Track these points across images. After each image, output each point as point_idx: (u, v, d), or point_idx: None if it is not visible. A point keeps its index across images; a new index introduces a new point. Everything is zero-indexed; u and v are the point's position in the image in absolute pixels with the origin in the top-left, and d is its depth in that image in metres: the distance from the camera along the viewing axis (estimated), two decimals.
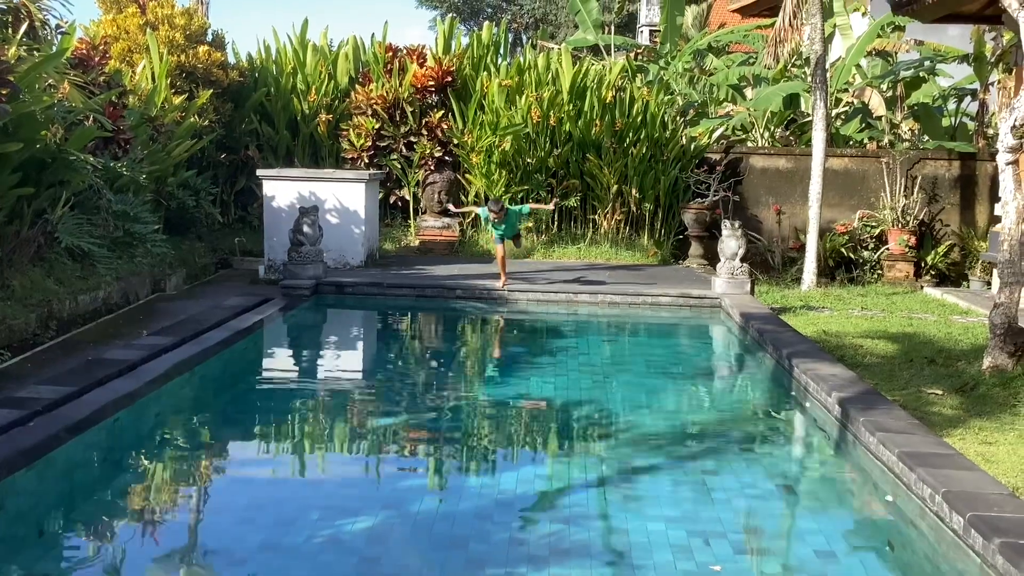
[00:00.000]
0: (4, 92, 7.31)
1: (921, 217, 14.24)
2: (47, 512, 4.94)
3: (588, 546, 4.52)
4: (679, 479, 5.54)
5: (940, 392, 7.07)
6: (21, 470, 4.94)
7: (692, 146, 14.64)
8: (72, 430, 5.55)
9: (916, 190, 14.28)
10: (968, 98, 16.89)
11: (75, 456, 5.48)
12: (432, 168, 14.12)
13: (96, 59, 10.72)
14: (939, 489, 4.64)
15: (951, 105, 17.14)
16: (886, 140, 15.29)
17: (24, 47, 8.63)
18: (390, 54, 14.91)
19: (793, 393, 7.35)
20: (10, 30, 8.61)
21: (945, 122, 16.56)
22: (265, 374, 8.24)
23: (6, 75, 7.33)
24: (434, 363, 8.40)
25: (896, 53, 17.13)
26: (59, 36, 9.53)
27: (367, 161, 14.13)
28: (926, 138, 15.57)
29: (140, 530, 4.83)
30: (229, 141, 14.14)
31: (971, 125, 16.78)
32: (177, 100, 12.44)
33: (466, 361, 8.38)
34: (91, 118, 9.34)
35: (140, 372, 6.87)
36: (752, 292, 10.98)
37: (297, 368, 8.54)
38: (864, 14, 19.01)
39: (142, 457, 5.95)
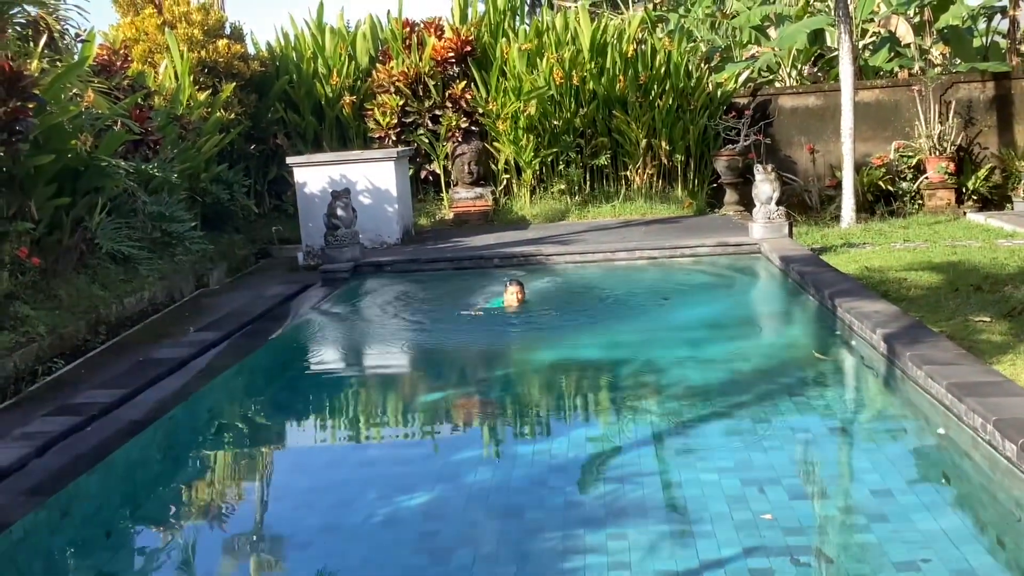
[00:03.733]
0: (31, 106, 7.41)
1: (958, 142, 13.96)
2: (112, 513, 5.08)
3: (643, 503, 4.54)
4: (729, 428, 5.54)
5: (988, 319, 6.97)
6: (83, 475, 5.08)
7: (719, 92, 14.46)
8: (129, 431, 5.69)
9: (951, 115, 13.99)
10: (998, 16, 16.47)
11: (134, 456, 5.61)
12: (459, 139, 14.11)
13: (118, 63, 10.82)
14: (990, 418, 4.60)
15: (981, 25, 16.73)
16: (917, 67, 14.98)
17: (46, 59, 8.74)
18: (407, 29, 14.87)
19: (838, 333, 7.30)
20: (31, 43, 8.72)
21: (976, 43, 16.17)
22: (310, 360, 8.34)
23: (31, 88, 7.42)
24: (474, 334, 8.43)
25: None
26: (79, 45, 9.62)
27: (394, 139, 14.15)
28: (958, 61, 15.23)
29: (203, 522, 4.95)
30: (257, 132, 14.23)
31: (1003, 43, 16.38)
32: (202, 96, 12.54)
33: (507, 329, 8.40)
34: (119, 123, 9.44)
35: (190, 368, 7.02)
36: (791, 235, 10.87)
37: (341, 352, 8.62)
38: None
39: (199, 451, 6.08)
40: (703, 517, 4.31)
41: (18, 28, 8.67)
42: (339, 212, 11.03)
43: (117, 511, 5.11)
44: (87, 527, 4.89)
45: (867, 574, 3.83)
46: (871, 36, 16.45)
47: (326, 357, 8.46)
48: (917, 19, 15.65)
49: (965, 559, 3.81)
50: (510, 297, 8.51)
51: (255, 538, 4.67)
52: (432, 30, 14.72)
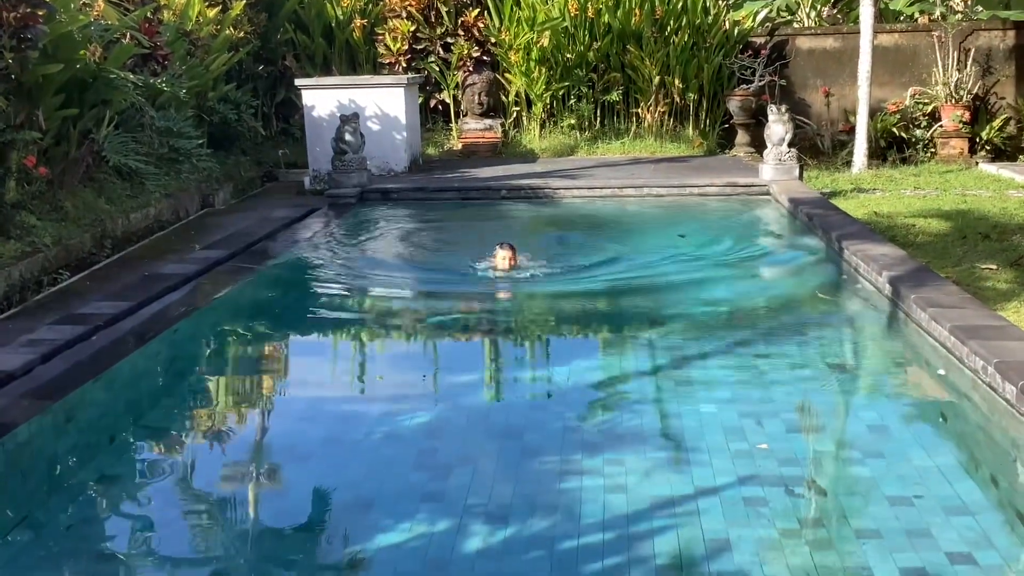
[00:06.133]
0: (40, 13, 7.32)
1: (975, 91, 13.78)
2: (116, 420, 5.13)
3: (641, 431, 4.59)
4: (731, 363, 5.57)
5: (994, 267, 6.97)
6: (88, 382, 5.13)
7: (735, 31, 14.23)
8: (133, 343, 5.74)
9: (969, 63, 13.79)
10: None
11: (138, 366, 5.66)
12: (471, 69, 13.93)
13: None
14: (991, 360, 4.62)
15: None
16: (938, 13, 14.74)
17: None
18: None
19: (844, 276, 7.30)
20: None
21: None
22: (314, 281, 8.33)
23: None
24: (479, 263, 8.42)
25: None
26: None
27: (405, 65, 13.98)
28: (979, 8, 14.97)
29: (205, 432, 5.00)
30: (266, 52, 14.04)
31: None
32: (211, 13, 12.35)
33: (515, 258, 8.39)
34: (128, 35, 9.33)
35: (195, 284, 7.04)
36: (801, 177, 10.80)
37: (345, 274, 8.61)
38: None
39: (203, 364, 6.13)
40: (700, 446, 4.36)
41: None
42: (347, 137, 10.95)
43: (121, 418, 5.16)
44: (90, 432, 4.95)
45: (859, 506, 3.87)
46: None
47: (330, 279, 8.43)
48: None
49: (958, 496, 3.85)
50: (501, 262, 7.66)
51: (256, 448, 4.73)
52: None
